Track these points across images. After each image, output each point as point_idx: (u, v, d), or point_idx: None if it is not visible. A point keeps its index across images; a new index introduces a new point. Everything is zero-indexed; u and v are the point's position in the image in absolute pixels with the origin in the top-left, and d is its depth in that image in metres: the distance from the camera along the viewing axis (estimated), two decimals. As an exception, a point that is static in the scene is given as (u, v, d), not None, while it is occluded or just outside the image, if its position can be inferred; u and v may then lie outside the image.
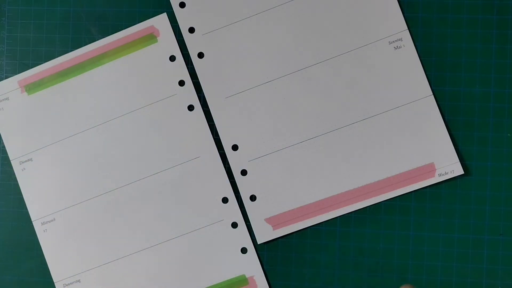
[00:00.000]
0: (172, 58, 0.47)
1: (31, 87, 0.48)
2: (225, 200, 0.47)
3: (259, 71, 0.46)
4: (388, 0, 0.45)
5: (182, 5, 0.47)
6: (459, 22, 0.45)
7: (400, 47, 0.45)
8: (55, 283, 0.48)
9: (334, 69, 0.46)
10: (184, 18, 0.47)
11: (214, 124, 0.47)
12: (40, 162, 0.48)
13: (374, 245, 0.46)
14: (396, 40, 0.45)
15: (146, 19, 0.48)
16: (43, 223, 0.48)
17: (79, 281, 0.48)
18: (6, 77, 0.49)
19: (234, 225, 0.47)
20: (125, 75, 0.48)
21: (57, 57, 0.48)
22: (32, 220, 0.48)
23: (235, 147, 0.47)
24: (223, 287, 0.46)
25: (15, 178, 0.49)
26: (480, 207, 0.45)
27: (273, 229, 0.46)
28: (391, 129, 0.45)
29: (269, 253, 0.46)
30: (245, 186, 0.46)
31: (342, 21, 0.46)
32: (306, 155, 0.46)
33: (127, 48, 0.48)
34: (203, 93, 0.47)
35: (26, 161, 0.48)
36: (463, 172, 0.45)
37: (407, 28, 0.45)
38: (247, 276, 0.46)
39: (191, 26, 0.47)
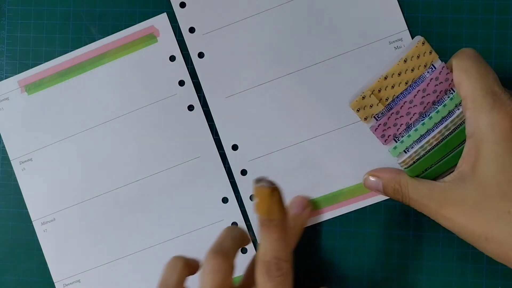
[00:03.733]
0: (172, 58, 0.47)
1: (31, 87, 0.48)
2: (225, 200, 0.47)
3: (259, 71, 0.46)
4: (388, 0, 0.45)
5: (182, 5, 0.47)
6: (459, 22, 0.45)
7: (400, 47, 0.45)
8: (55, 283, 0.48)
9: (334, 69, 0.46)
10: (184, 18, 0.47)
11: (214, 124, 0.47)
12: (40, 162, 0.48)
13: (374, 245, 0.46)
14: (396, 40, 0.45)
15: (146, 19, 0.48)
16: (43, 223, 0.48)
17: (79, 281, 0.48)
18: (6, 77, 0.49)
19: (234, 225, 0.47)
20: (125, 75, 0.48)
21: (57, 57, 0.48)
22: (32, 220, 0.48)
23: (235, 147, 0.47)
24: (223, 287, 0.47)
25: (15, 178, 0.49)
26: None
27: (273, 229, 0.46)
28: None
29: (269, 253, 0.46)
30: (245, 186, 0.46)
31: (342, 21, 0.46)
32: (306, 155, 0.46)
33: (127, 48, 0.48)
34: (203, 93, 0.47)
35: (26, 161, 0.48)
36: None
37: (407, 28, 0.45)
38: (247, 276, 0.46)
39: (192, 26, 0.47)
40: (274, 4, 0.46)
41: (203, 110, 0.47)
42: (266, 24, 0.46)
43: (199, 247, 0.46)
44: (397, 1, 0.45)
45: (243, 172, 0.46)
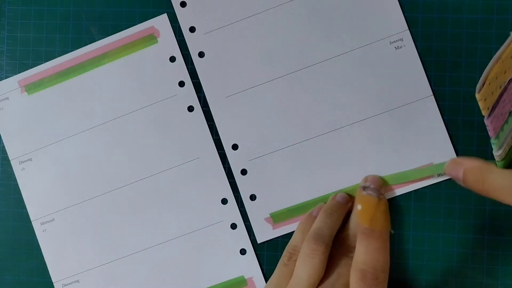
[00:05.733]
0: (172, 59, 0.47)
1: (31, 87, 0.48)
2: (224, 201, 0.47)
3: (259, 70, 0.46)
4: (389, 0, 0.45)
5: (183, 4, 0.47)
6: (459, 22, 0.45)
7: (401, 47, 0.45)
8: (54, 283, 0.48)
9: (334, 69, 0.46)
10: (185, 18, 0.47)
11: (214, 124, 0.47)
12: (40, 162, 0.48)
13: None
14: (397, 40, 0.45)
15: (146, 19, 0.48)
16: (42, 223, 0.48)
17: (78, 281, 0.48)
18: (6, 77, 0.49)
19: (234, 226, 0.47)
20: (125, 75, 0.48)
21: (57, 57, 0.48)
22: (31, 220, 0.48)
23: (235, 147, 0.47)
24: None
25: (15, 178, 0.49)
26: (480, 207, 0.45)
27: (273, 228, 0.46)
28: (390, 129, 0.45)
29: (268, 253, 0.46)
30: (245, 186, 0.46)
31: (343, 21, 0.46)
32: (306, 154, 0.46)
33: (127, 48, 0.48)
34: (203, 93, 0.47)
35: (25, 161, 0.48)
36: (463, 173, 0.45)
37: (407, 28, 0.45)
38: (246, 277, 0.46)
39: (192, 25, 0.47)
40: (274, 4, 0.46)
41: (203, 110, 0.47)
42: (267, 24, 0.46)
43: (198, 248, 0.47)
44: (397, 1, 0.45)
45: (243, 172, 0.46)
